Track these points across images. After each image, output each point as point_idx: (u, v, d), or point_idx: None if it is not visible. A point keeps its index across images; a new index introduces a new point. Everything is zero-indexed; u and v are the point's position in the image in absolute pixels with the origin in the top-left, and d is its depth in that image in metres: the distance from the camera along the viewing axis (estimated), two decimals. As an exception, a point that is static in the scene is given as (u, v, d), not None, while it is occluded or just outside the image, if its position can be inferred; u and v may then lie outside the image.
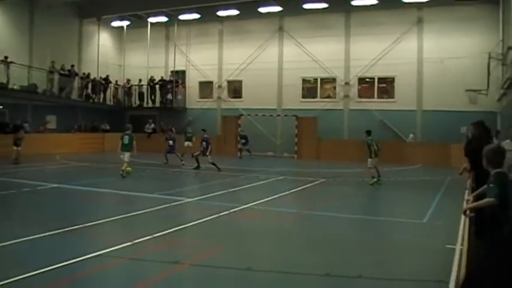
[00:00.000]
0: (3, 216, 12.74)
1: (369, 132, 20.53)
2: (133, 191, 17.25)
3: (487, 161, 6.00)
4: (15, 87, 32.00)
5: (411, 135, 31.48)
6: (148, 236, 10.21)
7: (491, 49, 27.69)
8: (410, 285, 7.85)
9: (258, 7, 33.93)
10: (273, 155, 35.09)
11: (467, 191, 10.91)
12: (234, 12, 35.27)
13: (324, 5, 32.49)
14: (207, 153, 24.34)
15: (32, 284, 7.39)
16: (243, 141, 33.77)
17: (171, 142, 27.92)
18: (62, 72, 35.21)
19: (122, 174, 20.59)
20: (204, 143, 24.69)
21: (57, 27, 35.80)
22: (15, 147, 25.98)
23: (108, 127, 39.12)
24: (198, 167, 24.94)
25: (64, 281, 7.61)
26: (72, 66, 36.39)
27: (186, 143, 30.45)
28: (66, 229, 10.69)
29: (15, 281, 7.34)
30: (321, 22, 34.75)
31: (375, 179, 19.71)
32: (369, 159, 19.95)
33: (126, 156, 21.05)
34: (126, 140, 21.42)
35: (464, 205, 7.61)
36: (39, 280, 7.50)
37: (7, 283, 7.23)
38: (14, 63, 31.65)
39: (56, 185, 18.23)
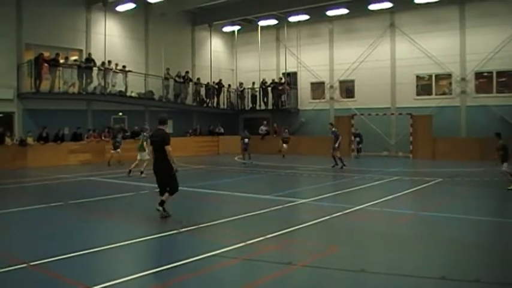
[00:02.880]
0: (123, 217, 13.35)
1: (499, 135, 18.80)
2: (248, 192, 17.47)
3: None
4: (133, 94, 33.55)
5: None
6: (262, 237, 10.32)
7: None
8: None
9: (368, 4, 33.40)
10: (387, 154, 34.47)
11: None
12: (344, 11, 34.87)
13: (437, -2, 31.52)
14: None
15: (148, 282, 7.75)
16: (358, 139, 33.34)
17: (246, 140, 29.32)
18: (177, 79, 36.39)
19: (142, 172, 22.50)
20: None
21: (170, 35, 37.18)
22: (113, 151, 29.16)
23: (222, 130, 39.96)
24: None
25: (179, 279, 7.89)
26: (187, 72, 37.54)
27: (285, 145, 30.97)
28: (182, 230, 11.10)
29: (134, 278, 7.75)
30: (434, 16, 33.70)
31: None
32: (505, 163, 18.09)
33: (140, 155, 23.08)
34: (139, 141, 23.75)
35: None
36: (155, 278, 7.88)
37: (126, 280, 7.63)
38: (132, 71, 33.15)
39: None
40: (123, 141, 29.95)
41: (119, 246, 9.76)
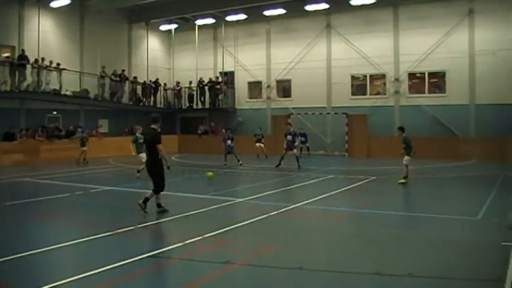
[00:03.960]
0: (58, 219, 13.06)
1: (402, 129, 19.82)
2: (185, 192, 17.40)
3: None
4: (67, 93, 32.85)
5: None
6: (200, 236, 10.30)
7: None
8: (463, 284, 7.68)
9: (305, 5, 33.72)
10: (323, 153, 34.89)
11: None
12: (281, 11, 35.18)
13: (372, 0, 32.08)
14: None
15: (86, 284, 7.59)
16: (303, 139, 33.43)
17: (229, 142, 27.90)
18: (113, 77, 35.84)
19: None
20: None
21: (107, 32, 36.63)
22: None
23: (159, 130, 39.45)
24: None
25: (117, 281, 7.77)
26: (123, 70, 37.02)
27: (258, 144, 30.77)
28: (119, 231, 10.92)
29: (71, 281, 7.57)
30: (369, 18, 34.40)
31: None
32: (407, 157, 19.22)
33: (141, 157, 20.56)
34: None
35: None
36: (92, 281, 7.68)
37: (63, 283, 7.45)
38: (66, 69, 32.47)
39: (109, 188, 18.56)
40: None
41: (54, 248, 9.53)
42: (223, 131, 28.61)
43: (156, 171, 13.11)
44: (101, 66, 35.02)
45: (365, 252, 9.53)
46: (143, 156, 19.80)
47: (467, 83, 31.47)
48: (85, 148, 29.23)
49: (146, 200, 12.95)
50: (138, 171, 20.98)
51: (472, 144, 29.83)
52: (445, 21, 31.79)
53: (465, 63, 31.44)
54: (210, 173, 21.25)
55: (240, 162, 26.88)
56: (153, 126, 13.42)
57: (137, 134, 21.52)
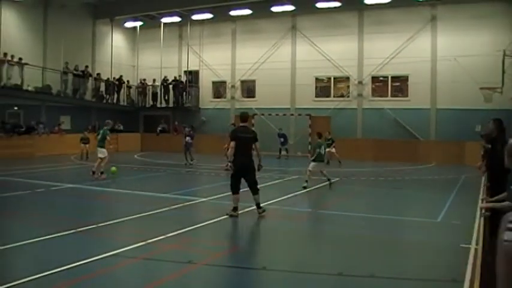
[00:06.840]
0: (18, 216, 12.83)
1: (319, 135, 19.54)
2: (147, 191, 17.30)
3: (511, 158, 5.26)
4: (29, 88, 32.25)
5: None
6: (162, 236, 10.23)
7: (506, 46, 27.48)
8: (423, 284, 7.81)
9: (271, 6, 33.84)
10: (286, 154, 34.95)
11: (482, 190, 10.83)
12: (247, 11, 35.23)
13: (337, 4, 32.33)
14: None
15: (46, 283, 7.43)
16: (282, 139, 33.22)
17: (188, 139, 27.28)
18: (75, 73, 35.38)
19: (98, 173, 20.22)
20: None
21: (70, 28, 36.07)
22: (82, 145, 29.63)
23: (121, 127, 39.15)
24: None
25: (77, 281, 7.62)
26: (86, 67, 36.60)
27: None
28: (80, 229, 10.74)
29: (30, 280, 7.40)
30: (334, 21, 34.67)
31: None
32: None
33: (99, 152, 20.40)
34: (99, 136, 20.90)
35: (480, 204, 7.56)
36: (53, 279, 7.54)
37: (22, 282, 7.28)
38: (28, 64, 31.87)
39: (70, 185, 18.33)
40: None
41: (15, 247, 9.35)
42: (187, 129, 28.21)
43: (253, 171, 12.89)
44: (64, 61, 34.53)
45: (328, 253, 9.62)
46: (98, 151, 20.40)
47: (428, 88, 32.02)
48: (87, 145, 29.59)
49: (258, 205, 12.77)
50: (102, 172, 20.29)
51: (433, 147, 30.50)
52: (409, 27, 32.32)
53: (427, 68, 31.99)
54: (113, 168, 20.62)
55: (191, 162, 26.80)
56: (244, 124, 13.26)
57: (107, 128, 20.88)
